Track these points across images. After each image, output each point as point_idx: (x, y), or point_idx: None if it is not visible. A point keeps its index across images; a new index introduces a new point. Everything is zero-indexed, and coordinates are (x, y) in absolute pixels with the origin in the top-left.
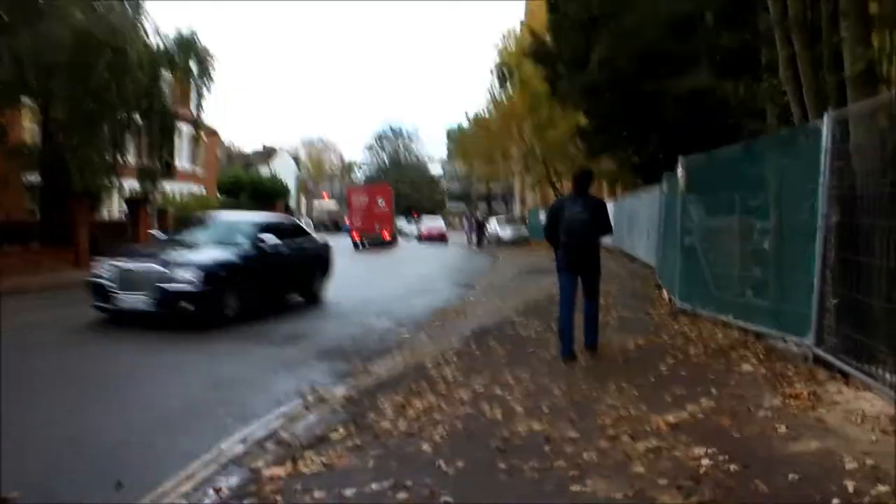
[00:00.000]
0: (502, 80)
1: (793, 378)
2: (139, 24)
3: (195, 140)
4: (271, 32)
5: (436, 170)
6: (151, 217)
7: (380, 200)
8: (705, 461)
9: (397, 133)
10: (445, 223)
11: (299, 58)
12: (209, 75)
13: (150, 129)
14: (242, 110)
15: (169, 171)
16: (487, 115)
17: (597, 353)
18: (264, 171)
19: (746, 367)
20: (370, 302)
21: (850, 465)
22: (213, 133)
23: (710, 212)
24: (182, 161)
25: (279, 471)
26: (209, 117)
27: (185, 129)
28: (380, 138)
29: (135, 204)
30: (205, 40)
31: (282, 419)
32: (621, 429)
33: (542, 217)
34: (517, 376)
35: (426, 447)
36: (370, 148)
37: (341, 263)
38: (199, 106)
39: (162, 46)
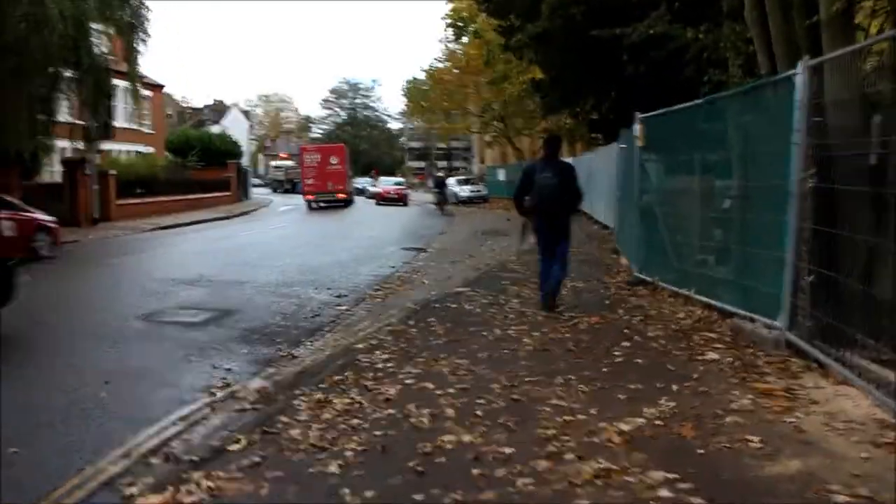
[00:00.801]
0: (456, 31)
1: (764, 369)
2: None
3: (134, 96)
4: None
5: (396, 126)
6: (91, 179)
7: (333, 159)
8: (664, 491)
9: (354, 87)
10: (405, 183)
11: (255, 10)
12: (143, 28)
13: (81, 86)
14: (197, 66)
15: (107, 130)
16: (443, 69)
17: (557, 307)
18: (216, 129)
19: (711, 355)
20: (312, 270)
21: (841, 497)
22: (157, 88)
23: (668, 172)
24: (127, 120)
25: (155, 500)
26: (158, 73)
27: (126, 84)
28: (336, 93)
29: (72, 166)
30: None
31: (181, 423)
32: (565, 442)
33: (501, 175)
34: (453, 365)
35: (333, 468)
36: (326, 102)
37: (288, 226)
38: (133, 60)
39: None
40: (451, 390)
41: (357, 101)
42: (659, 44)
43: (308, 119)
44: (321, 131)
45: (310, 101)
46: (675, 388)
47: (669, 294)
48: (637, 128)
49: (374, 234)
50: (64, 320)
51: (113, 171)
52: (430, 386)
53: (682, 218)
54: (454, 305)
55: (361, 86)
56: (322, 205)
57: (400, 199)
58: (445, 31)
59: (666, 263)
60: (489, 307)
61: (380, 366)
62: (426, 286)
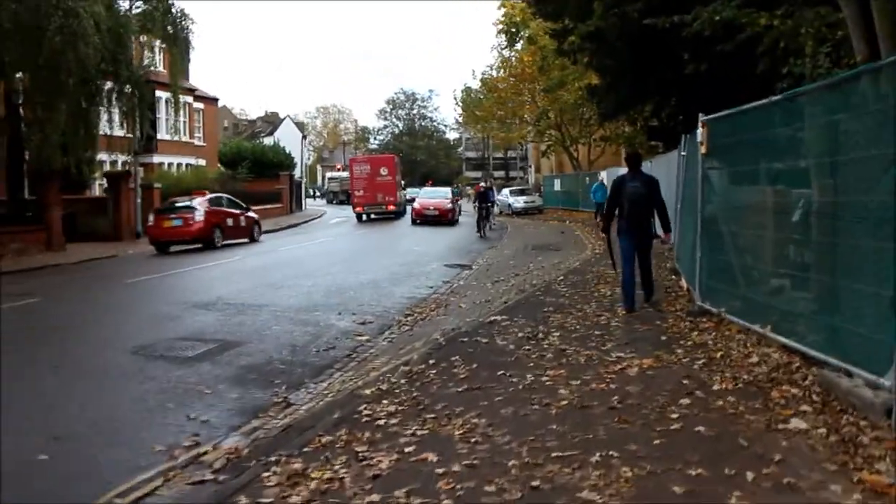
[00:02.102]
0: (509, 37)
1: (871, 449)
2: None
3: (176, 107)
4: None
5: (454, 136)
6: (134, 193)
7: (383, 170)
8: None
9: (410, 98)
10: (458, 194)
11: (314, 22)
12: (186, 40)
13: (121, 99)
14: (256, 79)
15: (150, 143)
16: (496, 76)
17: (657, 305)
18: (269, 140)
19: (797, 423)
20: (342, 291)
21: None
22: (210, 101)
23: (737, 183)
24: (174, 132)
25: None
26: (213, 86)
27: (181, 98)
28: (393, 103)
29: (115, 179)
30: (198, 5)
31: (122, 500)
32: None
33: (557, 185)
34: (468, 426)
35: None
36: (383, 113)
37: (334, 240)
38: (175, 72)
39: (130, 9)
40: (455, 467)
41: (414, 111)
42: (726, 34)
43: (365, 130)
44: (378, 142)
45: (368, 112)
46: (749, 475)
47: (738, 329)
48: (701, 132)
49: (418, 249)
50: (48, 350)
51: (158, 185)
52: (433, 458)
53: (753, 236)
54: (485, 340)
55: (418, 96)
56: (372, 217)
57: (444, 217)
58: (497, 36)
59: (734, 292)
60: (524, 342)
61: (381, 422)
62: (461, 311)
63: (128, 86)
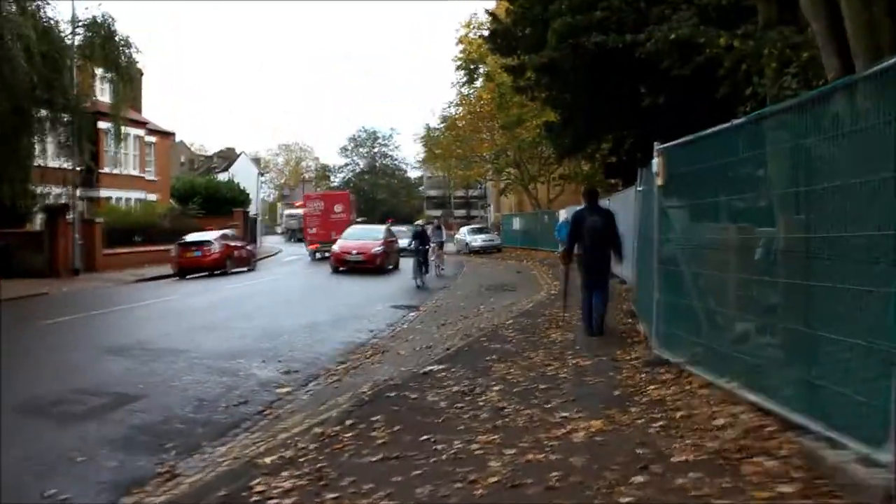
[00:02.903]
0: (468, 74)
1: None
2: (26, 5)
3: (117, 139)
4: (248, 36)
5: (417, 174)
6: (72, 227)
7: (337, 207)
8: None
9: (372, 136)
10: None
11: (273, 62)
12: (129, 68)
13: (55, 128)
14: (217, 115)
15: (91, 175)
16: (456, 114)
17: (603, 333)
18: (224, 176)
19: None
20: (276, 335)
21: None
22: (164, 135)
23: (698, 218)
24: (121, 165)
25: None
26: (167, 121)
27: (132, 132)
28: (355, 141)
29: (53, 213)
30: (176, 39)
31: None
32: None
33: (517, 223)
34: None
35: None
36: (344, 150)
37: (282, 279)
38: (118, 101)
39: (71, 35)
40: None
41: (375, 149)
42: (682, 57)
43: (326, 168)
44: (340, 179)
45: (330, 150)
46: None
47: (701, 383)
48: (656, 162)
49: (368, 290)
50: None
51: (99, 219)
52: None
53: (716, 277)
54: (414, 396)
55: (380, 133)
56: (326, 255)
57: (370, 263)
58: (456, 73)
59: (695, 338)
60: (459, 398)
61: (273, 502)
62: (399, 359)
63: (65, 115)
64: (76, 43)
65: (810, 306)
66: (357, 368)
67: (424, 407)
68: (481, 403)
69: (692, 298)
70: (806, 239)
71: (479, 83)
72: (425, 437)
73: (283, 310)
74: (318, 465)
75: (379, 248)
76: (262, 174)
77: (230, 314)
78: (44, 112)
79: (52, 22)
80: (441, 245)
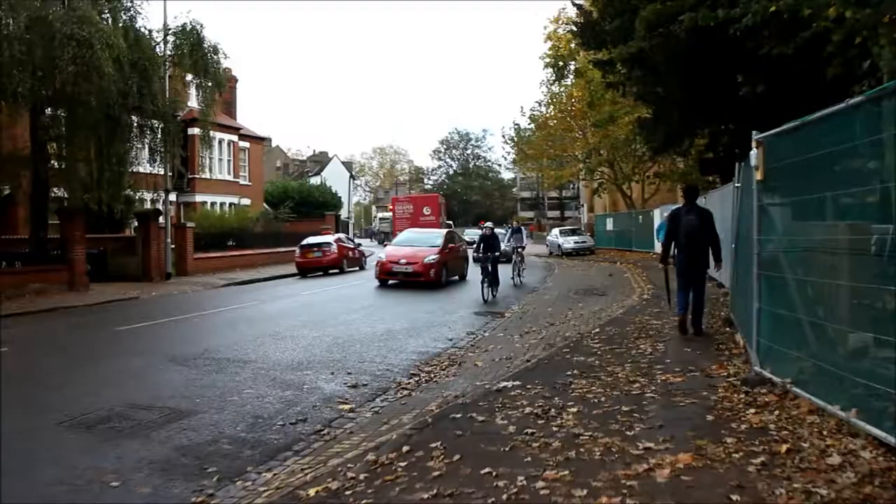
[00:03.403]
0: (557, 72)
1: None
2: (119, 15)
3: (203, 143)
4: (343, 41)
5: (509, 176)
6: (164, 233)
7: (426, 209)
8: None
9: (464, 138)
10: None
11: (367, 65)
12: (217, 74)
13: (144, 135)
14: (314, 120)
15: (182, 180)
16: (546, 112)
17: (702, 333)
18: (316, 180)
19: None
20: (348, 344)
21: None
22: (257, 140)
23: (805, 216)
24: (222, 172)
25: None
26: (263, 126)
27: (225, 137)
28: (447, 143)
29: (145, 219)
30: (276, 45)
31: None
32: None
33: (610, 224)
34: None
35: None
36: (437, 153)
37: (365, 283)
38: (207, 107)
39: (163, 42)
40: None
41: (468, 151)
42: (785, 33)
43: (419, 170)
44: (432, 182)
45: (424, 153)
46: None
47: (810, 408)
48: (755, 154)
49: (452, 294)
50: None
51: (191, 224)
52: None
53: (828, 284)
54: (482, 418)
55: (472, 135)
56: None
57: (423, 275)
58: (545, 70)
59: (802, 354)
60: (530, 422)
61: None
62: (474, 372)
63: (154, 121)
64: (166, 51)
65: None
66: (430, 382)
67: (491, 432)
68: (555, 429)
69: (799, 307)
70: None
71: (569, 81)
72: (486, 469)
73: (359, 317)
74: (364, 500)
75: (433, 258)
76: (353, 177)
77: (304, 321)
78: (135, 119)
79: (143, 31)
80: (516, 250)
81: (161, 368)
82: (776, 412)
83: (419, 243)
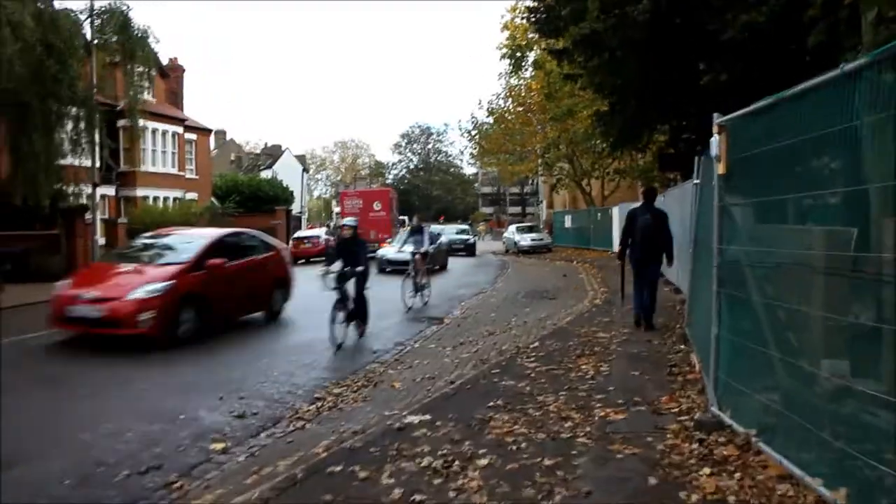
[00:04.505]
0: (514, 63)
1: None
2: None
3: (131, 134)
4: (303, 36)
5: (472, 171)
6: (91, 229)
7: (376, 204)
8: None
9: (425, 131)
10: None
11: (328, 60)
12: (147, 58)
13: (61, 123)
14: (269, 114)
15: (109, 173)
16: (504, 106)
17: (653, 328)
18: (268, 174)
19: None
20: (261, 356)
21: None
22: (204, 132)
23: (773, 218)
24: (166, 165)
25: None
26: (217, 119)
27: (169, 128)
28: (408, 138)
29: (70, 214)
30: (236, 41)
31: None
32: None
33: (569, 221)
34: None
35: None
36: (397, 147)
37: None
38: (132, 94)
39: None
40: None
41: (429, 145)
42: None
43: (379, 164)
44: (393, 177)
45: (385, 147)
46: None
47: (780, 473)
48: (716, 142)
49: (393, 296)
50: None
51: (122, 220)
52: None
53: (800, 307)
54: (364, 475)
55: (433, 129)
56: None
57: (122, 322)
58: (501, 61)
59: (769, 396)
60: (423, 482)
61: None
62: (388, 396)
63: (73, 108)
64: (90, 34)
65: None
66: (333, 409)
67: (368, 498)
68: (452, 495)
69: (767, 338)
70: None
71: (528, 74)
72: None
73: (286, 323)
74: None
75: (156, 289)
76: (307, 171)
77: (225, 333)
78: (53, 106)
79: (59, 11)
80: (423, 257)
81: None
82: (737, 475)
83: (151, 258)
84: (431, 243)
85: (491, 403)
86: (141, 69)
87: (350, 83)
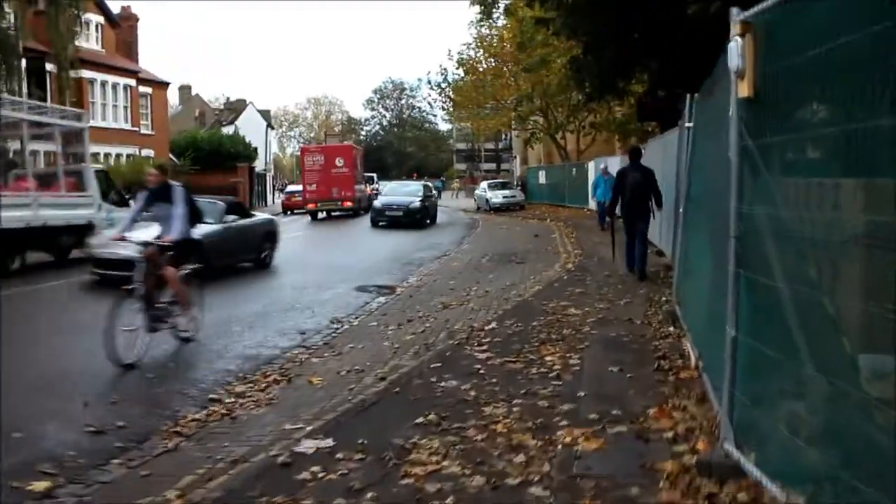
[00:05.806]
0: (485, 9)
1: None
2: None
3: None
4: None
5: (446, 127)
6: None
7: (338, 160)
8: None
9: (398, 87)
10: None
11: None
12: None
13: None
14: (241, 68)
15: None
16: (475, 56)
17: (646, 278)
18: (230, 129)
19: None
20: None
21: None
22: (160, 85)
23: (837, 168)
24: (118, 120)
25: None
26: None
27: (120, 81)
28: (380, 93)
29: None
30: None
31: None
32: None
33: (543, 177)
34: None
35: None
36: (370, 103)
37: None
38: (60, 40)
39: None
40: None
41: (402, 101)
42: None
43: (352, 120)
44: (366, 133)
45: (359, 103)
46: None
47: None
48: (737, 48)
49: (345, 261)
50: None
51: None
52: None
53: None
54: None
55: (407, 85)
56: (333, 214)
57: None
58: (471, 8)
59: (821, 437)
60: None
61: None
62: (300, 398)
63: None
64: None
65: None
66: (224, 419)
67: None
68: None
69: (797, 339)
70: None
71: (499, 22)
72: None
73: (240, 295)
74: None
75: None
76: (271, 126)
77: None
78: None
79: None
80: (169, 252)
81: None
82: None
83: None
84: (212, 219)
85: (419, 420)
86: (72, 9)
87: (323, 36)
